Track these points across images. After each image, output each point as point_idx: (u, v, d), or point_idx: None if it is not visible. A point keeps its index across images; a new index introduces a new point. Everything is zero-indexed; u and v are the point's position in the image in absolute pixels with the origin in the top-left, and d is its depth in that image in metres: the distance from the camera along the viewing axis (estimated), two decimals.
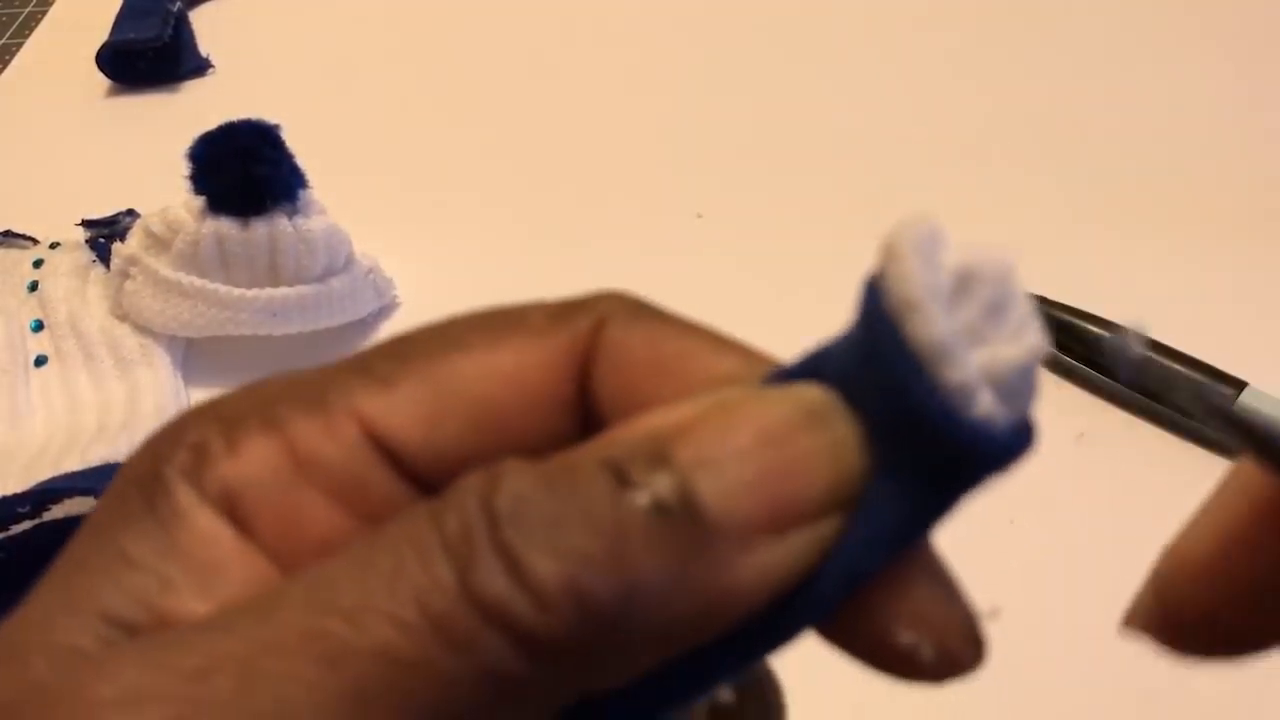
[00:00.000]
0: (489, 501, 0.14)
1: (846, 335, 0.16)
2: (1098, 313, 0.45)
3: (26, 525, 0.39)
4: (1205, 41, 0.63)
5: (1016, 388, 0.15)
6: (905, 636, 0.15)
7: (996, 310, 0.15)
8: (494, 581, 0.13)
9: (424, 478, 0.17)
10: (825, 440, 0.15)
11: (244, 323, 0.44)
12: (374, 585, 0.14)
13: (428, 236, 0.54)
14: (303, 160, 0.45)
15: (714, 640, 0.15)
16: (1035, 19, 0.65)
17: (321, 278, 0.45)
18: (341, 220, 0.46)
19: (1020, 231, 0.51)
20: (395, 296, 0.49)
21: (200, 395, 0.45)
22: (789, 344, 0.53)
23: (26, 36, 0.70)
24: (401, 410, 0.16)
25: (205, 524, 0.16)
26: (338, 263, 0.46)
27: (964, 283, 0.15)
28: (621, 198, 0.55)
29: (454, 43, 0.67)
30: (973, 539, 0.39)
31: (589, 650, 0.14)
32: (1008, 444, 0.15)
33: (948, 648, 0.15)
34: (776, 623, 0.15)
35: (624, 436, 0.15)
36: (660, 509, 0.14)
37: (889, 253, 0.15)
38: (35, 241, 0.51)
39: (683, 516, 0.14)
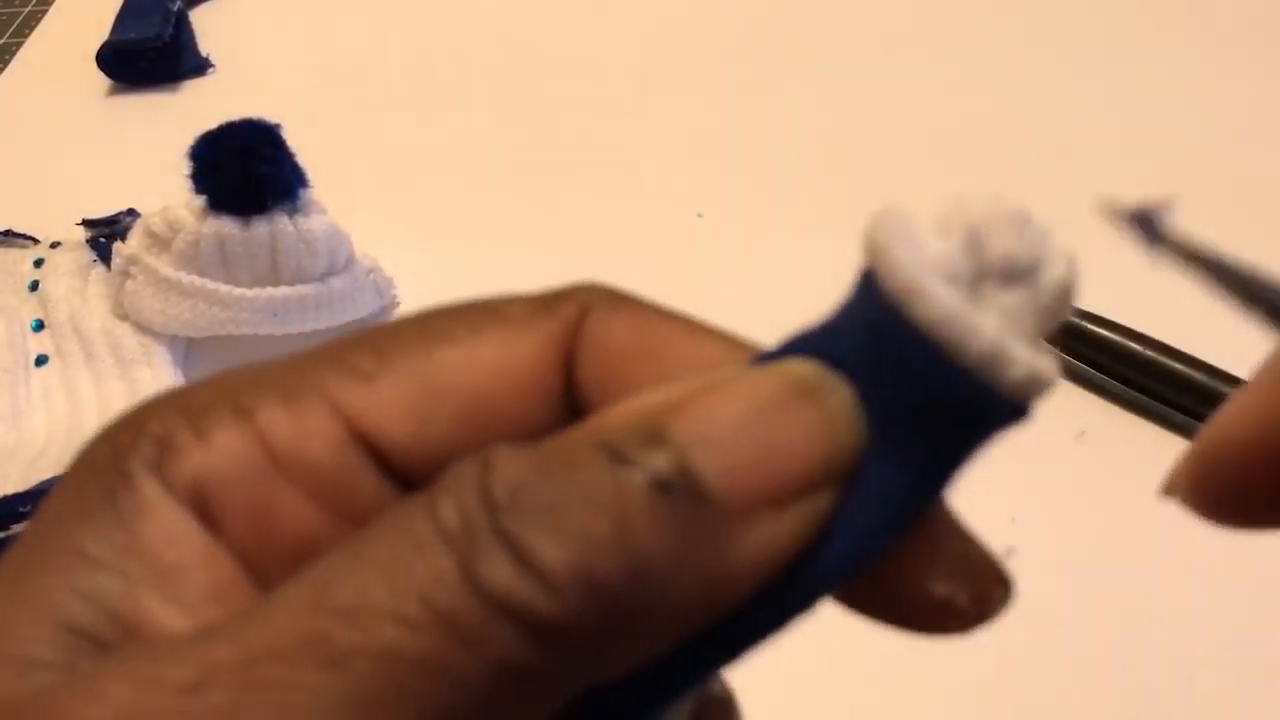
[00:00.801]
0: (486, 489, 0.14)
1: (835, 323, 0.16)
2: (1098, 312, 0.45)
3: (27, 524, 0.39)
4: (1203, 39, 0.63)
5: (1056, 311, 0.15)
6: (941, 588, 0.15)
7: (1012, 257, 0.15)
8: (500, 571, 0.13)
9: (408, 474, 0.16)
10: (818, 412, 0.15)
11: (244, 322, 0.44)
12: (372, 582, 0.13)
13: (428, 236, 0.54)
14: (303, 160, 0.45)
15: (718, 622, 0.14)
16: (1035, 18, 0.65)
17: (322, 277, 0.45)
18: (342, 220, 0.46)
19: None
20: (396, 296, 0.49)
21: None
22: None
23: (26, 36, 0.70)
24: (386, 405, 0.16)
25: (171, 520, 0.15)
26: (338, 262, 0.46)
27: (973, 240, 0.15)
28: (622, 198, 0.55)
29: (454, 43, 0.67)
30: (974, 530, 0.40)
31: (599, 636, 0.13)
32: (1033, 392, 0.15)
33: (981, 591, 0.15)
34: (780, 600, 0.15)
35: (616, 417, 0.15)
36: (661, 485, 0.14)
37: (872, 248, 0.15)
38: (36, 241, 0.51)
39: (684, 492, 0.14)
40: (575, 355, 0.16)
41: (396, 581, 0.13)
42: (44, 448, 0.42)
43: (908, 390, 0.15)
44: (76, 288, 0.48)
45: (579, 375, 0.16)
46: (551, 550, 0.13)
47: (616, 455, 0.14)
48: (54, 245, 0.50)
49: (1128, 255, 0.56)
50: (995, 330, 0.14)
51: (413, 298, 0.50)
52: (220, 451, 0.15)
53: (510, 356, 0.16)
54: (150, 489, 0.15)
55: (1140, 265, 0.56)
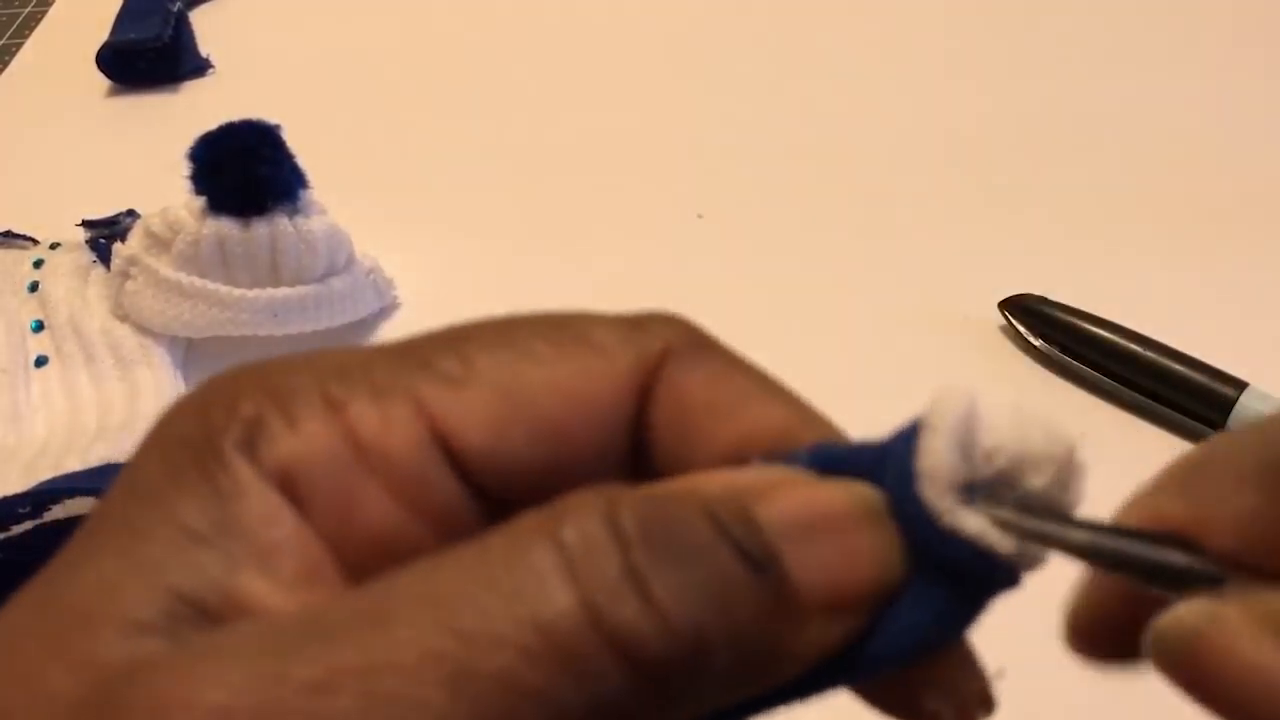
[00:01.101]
0: (615, 523, 0.14)
1: (880, 452, 0.17)
2: (1099, 313, 0.45)
3: (27, 525, 0.39)
4: (1207, 41, 0.63)
5: (1059, 506, 0.17)
6: (931, 701, 0.17)
7: (1021, 475, 0.17)
8: (627, 609, 0.14)
9: (480, 480, 0.17)
10: (883, 540, 0.16)
11: (245, 323, 0.44)
12: (495, 609, 0.14)
13: (428, 236, 0.54)
14: (303, 160, 0.45)
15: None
16: (1037, 19, 0.65)
17: (322, 278, 0.45)
18: (342, 220, 0.46)
19: (1021, 231, 0.51)
20: (396, 297, 0.49)
21: None
22: (788, 344, 0.53)
23: (26, 36, 0.70)
24: (469, 413, 0.16)
25: (265, 502, 0.15)
26: (338, 263, 0.46)
27: (1016, 469, 0.17)
28: (622, 198, 0.55)
29: (455, 42, 0.67)
30: None
31: (686, 684, 0.14)
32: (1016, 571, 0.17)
33: (966, 712, 0.17)
34: (806, 686, 0.16)
35: (710, 485, 0.16)
36: (758, 565, 0.15)
37: (929, 426, 0.17)
38: (35, 242, 0.51)
39: (775, 576, 0.15)
40: (651, 394, 0.17)
41: (518, 610, 0.14)
42: (44, 448, 0.42)
43: (930, 552, 0.17)
44: (76, 289, 0.48)
45: (652, 414, 0.17)
46: (677, 597, 0.14)
47: (719, 524, 0.15)
48: (54, 246, 0.50)
49: (1129, 255, 0.56)
50: (1000, 535, 0.17)
51: (413, 298, 0.50)
52: (310, 439, 0.16)
53: (591, 384, 0.17)
54: (244, 470, 0.15)
55: (1141, 265, 0.56)
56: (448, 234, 0.54)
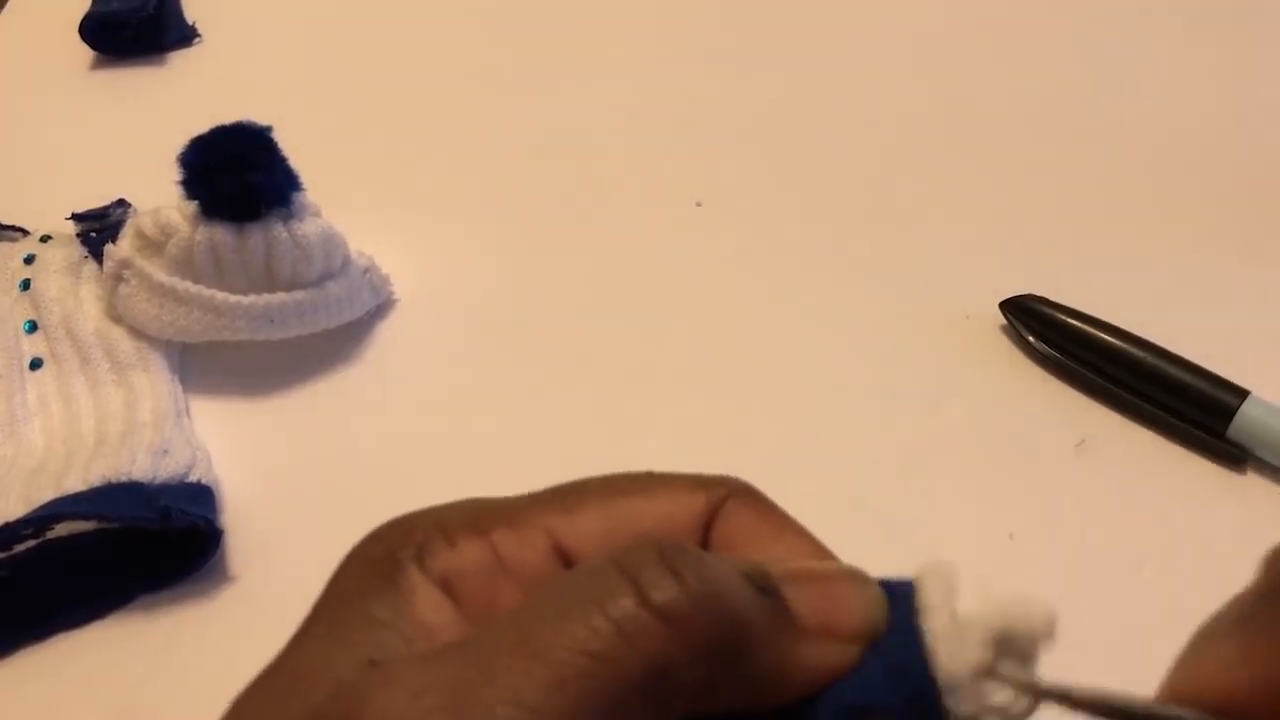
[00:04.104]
0: (660, 550, 0.19)
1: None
2: (1101, 315, 0.44)
3: (29, 544, 0.39)
4: (1210, 41, 0.62)
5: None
6: None
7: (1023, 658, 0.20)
8: (666, 590, 0.19)
9: None
10: (867, 593, 0.21)
11: (241, 329, 0.44)
12: (569, 602, 0.19)
13: (425, 228, 0.53)
14: (294, 141, 0.44)
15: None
16: (1043, 18, 0.64)
17: (318, 281, 0.45)
18: (334, 210, 0.46)
19: (1024, 231, 0.51)
20: (392, 294, 0.49)
21: (198, 401, 0.45)
22: (788, 342, 0.53)
23: (4, 5, 0.68)
24: (583, 533, 0.22)
25: (432, 598, 0.21)
26: (334, 266, 0.45)
27: (1003, 642, 0.20)
28: (620, 186, 0.54)
29: (450, 27, 0.65)
30: (972, 546, 0.40)
31: (711, 651, 0.19)
32: None
33: None
34: (811, 713, 0.20)
35: (736, 556, 0.21)
36: (762, 589, 0.20)
37: (925, 599, 0.20)
38: (25, 233, 0.51)
39: (776, 600, 0.20)
40: (714, 523, 0.23)
41: (585, 602, 0.19)
42: (43, 460, 0.41)
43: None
44: (69, 287, 0.47)
45: (712, 538, 0.23)
46: (705, 587, 0.19)
47: (735, 564, 0.20)
48: (44, 239, 0.49)
49: (1131, 261, 0.55)
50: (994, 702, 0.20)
51: (410, 294, 0.49)
52: (463, 554, 0.21)
53: (673, 514, 0.22)
54: (416, 576, 0.21)
55: (1143, 272, 0.55)
56: (444, 225, 0.53)
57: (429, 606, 0.21)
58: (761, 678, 0.20)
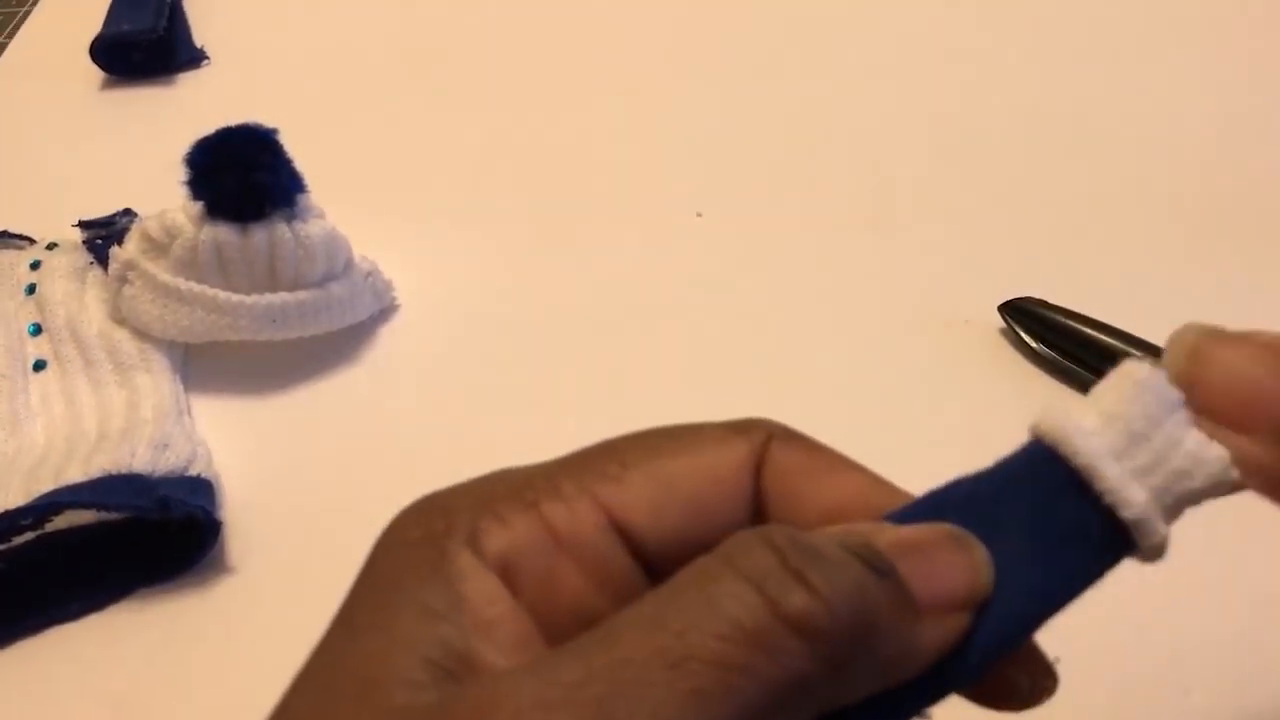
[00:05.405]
0: (771, 542, 0.19)
1: (994, 484, 0.21)
2: (1099, 317, 0.45)
3: (28, 536, 0.39)
4: (1211, 42, 0.63)
5: (1205, 494, 0.21)
6: (1015, 674, 0.21)
7: (1171, 442, 0.21)
8: (797, 598, 0.18)
9: (647, 556, 0.21)
10: (972, 555, 0.20)
11: (244, 329, 0.44)
12: (696, 613, 0.18)
13: (427, 236, 0.53)
14: (299, 155, 0.44)
15: (897, 690, 0.20)
16: (1040, 22, 0.65)
17: (321, 283, 0.45)
18: (338, 217, 0.46)
19: (1022, 234, 0.51)
20: (394, 298, 0.49)
21: (199, 400, 0.45)
22: (788, 345, 0.53)
23: (17, 29, 0.69)
24: (634, 501, 0.21)
25: (487, 585, 0.20)
26: (337, 267, 0.46)
27: (1141, 431, 0.21)
28: (621, 197, 0.54)
29: (454, 39, 0.66)
30: None
31: (845, 655, 0.18)
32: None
33: (1039, 682, 0.22)
34: (932, 684, 0.20)
35: (835, 531, 0.20)
36: (880, 572, 0.19)
37: (1049, 433, 0.21)
38: (32, 241, 0.51)
39: (895, 581, 0.19)
40: (762, 471, 0.22)
41: (715, 612, 0.18)
42: (44, 456, 0.42)
43: (1062, 539, 0.21)
44: (74, 291, 0.47)
45: (765, 486, 0.22)
46: (831, 588, 0.18)
47: (846, 545, 0.19)
48: (50, 247, 0.50)
49: (1130, 261, 0.56)
50: (1146, 504, 0.21)
51: (412, 299, 0.49)
52: (519, 533, 0.20)
53: (719, 467, 0.22)
54: (467, 561, 0.20)
55: (1142, 271, 0.55)
56: (447, 233, 0.53)
57: (484, 595, 0.19)
58: (887, 665, 0.19)
